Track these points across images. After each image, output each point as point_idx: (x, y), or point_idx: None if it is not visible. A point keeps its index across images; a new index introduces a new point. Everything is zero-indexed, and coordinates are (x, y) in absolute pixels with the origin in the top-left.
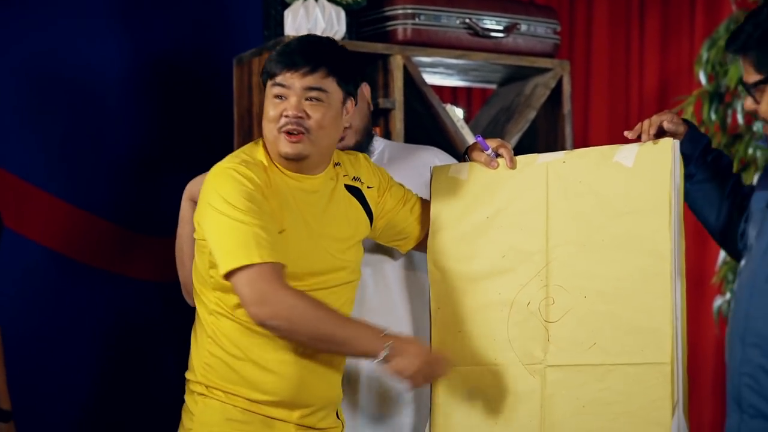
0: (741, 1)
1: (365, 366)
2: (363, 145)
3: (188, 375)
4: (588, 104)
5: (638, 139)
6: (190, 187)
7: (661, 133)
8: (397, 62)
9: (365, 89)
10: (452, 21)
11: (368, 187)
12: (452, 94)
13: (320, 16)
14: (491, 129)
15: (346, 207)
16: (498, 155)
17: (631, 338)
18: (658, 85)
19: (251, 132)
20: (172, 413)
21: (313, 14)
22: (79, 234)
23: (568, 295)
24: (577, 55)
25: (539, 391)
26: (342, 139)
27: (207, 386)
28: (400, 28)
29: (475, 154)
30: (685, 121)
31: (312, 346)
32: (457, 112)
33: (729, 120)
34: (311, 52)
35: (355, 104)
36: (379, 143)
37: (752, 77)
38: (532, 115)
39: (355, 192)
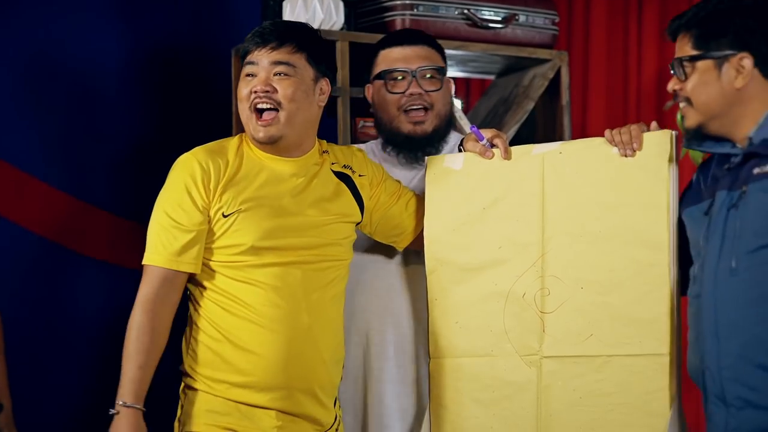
0: None
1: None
2: (440, 132)
3: (180, 368)
4: (586, 95)
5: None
6: None
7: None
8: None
9: (450, 84)
10: (450, 12)
11: (359, 176)
12: None
13: (318, 7)
14: (489, 120)
15: (332, 189)
16: (493, 146)
17: (628, 329)
18: (656, 76)
19: None
20: (169, 404)
21: (312, 5)
22: (78, 224)
23: (564, 286)
24: (576, 46)
25: (536, 382)
26: (422, 122)
27: (191, 376)
28: (398, 19)
29: (470, 145)
30: None
31: None
32: (456, 103)
33: None
34: (281, 29)
35: (332, 85)
36: (454, 138)
37: (689, 52)
38: (530, 106)
39: (345, 178)
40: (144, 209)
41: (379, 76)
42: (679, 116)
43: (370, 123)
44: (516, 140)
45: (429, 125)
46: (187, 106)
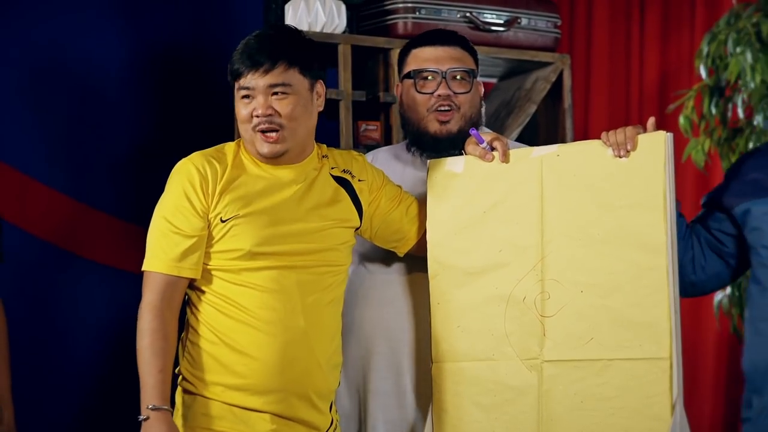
0: None
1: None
2: (466, 134)
3: (176, 371)
4: (588, 98)
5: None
6: None
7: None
8: (397, 56)
9: (480, 87)
10: (453, 15)
11: (359, 180)
12: None
13: (321, 10)
14: (492, 123)
15: (330, 194)
16: (493, 149)
17: (628, 333)
18: (659, 79)
19: None
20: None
21: (314, 8)
22: (79, 227)
23: (564, 289)
24: (578, 49)
25: (536, 386)
26: (447, 122)
27: (187, 379)
28: (400, 22)
29: (470, 148)
30: None
31: None
32: None
33: (729, 114)
34: (269, 49)
35: (325, 84)
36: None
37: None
38: (532, 109)
39: (344, 183)
40: (146, 212)
41: (409, 75)
42: (681, 119)
43: (372, 126)
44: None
45: (454, 125)
46: (189, 109)
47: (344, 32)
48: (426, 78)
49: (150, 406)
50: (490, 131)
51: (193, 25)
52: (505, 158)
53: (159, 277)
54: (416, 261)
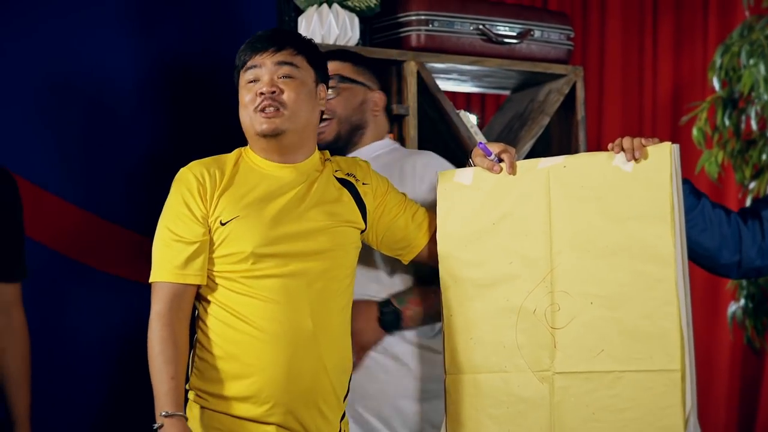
0: (754, 6)
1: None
2: (345, 139)
3: (186, 386)
4: (602, 110)
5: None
6: None
7: None
8: (410, 68)
9: (353, 91)
10: (466, 27)
11: (363, 184)
12: (466, 101)
13: (334, 23)
14: (505, 135)
15: (334, 193)
16: (501, 160)
17: (639, 345)
18: (672, 91)
19: None
20: None
21: (327, 20)
22: (92, 239)
23: (574, 301)
24: (591, 61)
25: (548, 398)
26: (320, 133)
27: (196, 393)
28: (413, 35)
29: (478, 160)
30: None
31: None
32: (471, 119)
33: (743, 126)
34: (278, 35)
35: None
36: (382, 144)
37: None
38: (545, 121)
39: (348, 185)
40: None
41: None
42: (695, 131)
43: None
44: (531, 155)
45: (330, 134)
46: (202, 122)
47: (357, 44)
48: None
49: (163, 413)
50: (499, 143)
51: (206, 38)
52: (512, 170)
53: (166, 286)
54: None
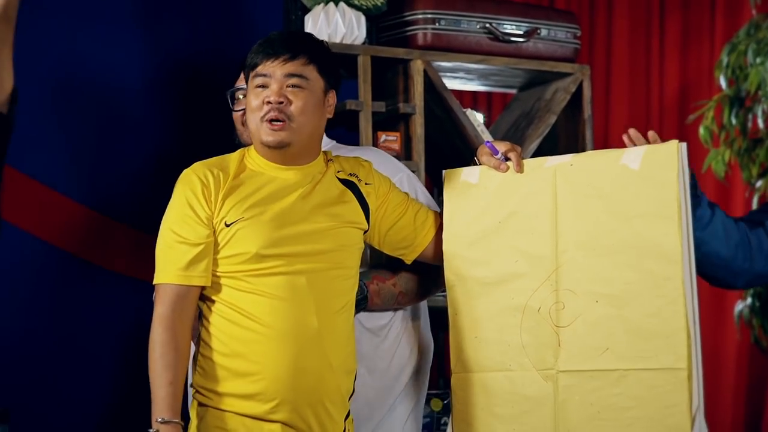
0: (761, 5)
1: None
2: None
3: (190, 385)
4: (608, 109)
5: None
6: None
7: None
8: (417, 67)
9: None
10: (472, 26)
11: (366, 184)
12: (473, 99)
13: (340, 21)
14: (512, 134)
15: (337, 194)
16: (508, 159)
17: (644, 343)
18: (679, 90)
19: None
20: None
21: (333, 19)
22: (99, 238)
23: (579, 299)
24: (598, 59)
25: (552, 396)
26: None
27: (199, 392)
28: (420, 33)
29: (485, 158)
30: None
31: None
32: (478, 117)
33: (750, 124)
34: (291, 41)
35: (337, 96)
36: (324, 143)
37: None
38: (552, 119)
39: (350, 185)
40: None
41: None
42: (701, 129)
43: (392, 137)
44: (538, 154)
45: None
46: (208, 121)
47: (364, 43)
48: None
49: (160, 419)
50: (505, 141)
51: (213, 38)
52: (520, 168)
53: (169, 288)
54: None
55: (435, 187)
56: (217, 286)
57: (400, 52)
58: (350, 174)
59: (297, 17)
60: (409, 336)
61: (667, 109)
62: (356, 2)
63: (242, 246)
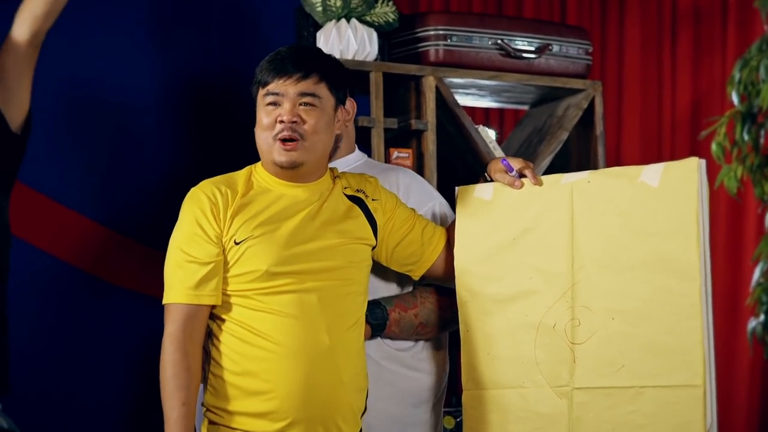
0: None
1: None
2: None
3: (201, 404)
4: (620, 125)
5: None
6: None
7: None
8: (429, 83)
9: (351, 106)
10: (484, 42)
11: (373, 200)
12: (485, 115)
13: (352, 38)
14: (524, 150)
15: (344, 210)
16: (522, 176)
17: (660, 360)
18: (691, 106)
19: None
20: None
21: (345, 35)
22: (113, 255)
23: (595, 316)
24: (609, 75)
25: (567, 413)
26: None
27: (211, 411)
28: (432, 50)
29: (499, 175)
30: None
31: None
32: (490, 134)
33: (762, 141)
34: (303, 59)
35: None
36: (355, 157)
37: None
38: (564, 136)
39: (357, 201)
40: None
41: None
42: (714, 146)
43: (404, 153)
44: (550, 171)
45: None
46: (221, 138)
47: (376, 60)
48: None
49: None
50: (519, 158)
51: (225, 55)
52: (537, 181)
53: (179, 307)
54: None
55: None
56: (227, 305)
57: (412, 69)
58: (357, 190)
59: (309, 33)
60: (432, 363)
61: (679, 125)
62: (368, 19)
63: (252, 264)
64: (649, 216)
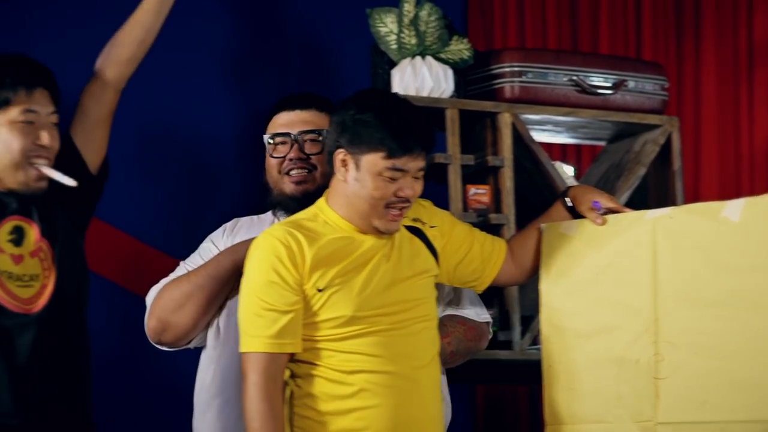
0: None
1: None
2: (324, 188)
3: None
4: (698, 160)
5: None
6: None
7: None
8: (505, 120)
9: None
10: (559, 78)
11: (431, 227)
12: (561, 151)
13: (427, 75)
14: (601, 186)
15: (410, 246)
16: (607, 212)
17: (743, 395)
18: None
19: None
20: None
21: (420, 73)
22: None
23: (678, 351)
24: (686, 110)
25: None
26: (302, 182)
27: None
28: (507, 86)
29: (591, 214)
30: None
31: None
32: (567, 170)
33: None
34: (424, 137)
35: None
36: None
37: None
38: (642, 171)
39: (417, 232)
40: None
41: (268, 140)
42: None
43: (481, 190)
44: (629, 206)
45: (312, 184)
46: None
47: (451, 96)
48: (278, 143)
49: None
50: (610, 197)
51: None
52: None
53: (261, 357)
54: None
55: None
56: (312, 349)
57: (487, 105)
58: (414, 219)
59: (384, 71)
60: (447, 393)
61: (758, 159)
62: (443, 56)
63: (336, 310)
64: (731, 251)
